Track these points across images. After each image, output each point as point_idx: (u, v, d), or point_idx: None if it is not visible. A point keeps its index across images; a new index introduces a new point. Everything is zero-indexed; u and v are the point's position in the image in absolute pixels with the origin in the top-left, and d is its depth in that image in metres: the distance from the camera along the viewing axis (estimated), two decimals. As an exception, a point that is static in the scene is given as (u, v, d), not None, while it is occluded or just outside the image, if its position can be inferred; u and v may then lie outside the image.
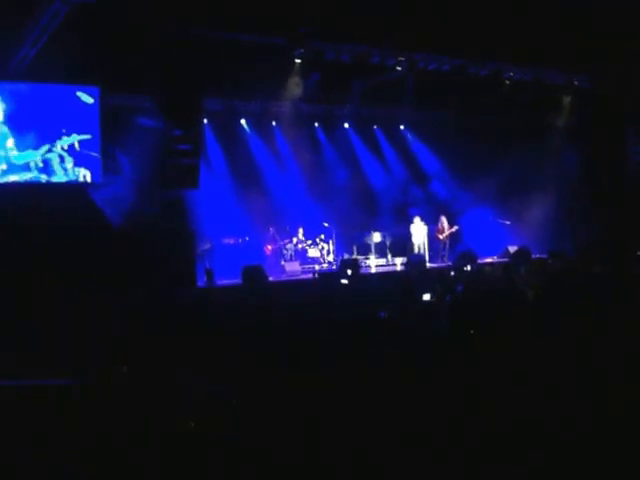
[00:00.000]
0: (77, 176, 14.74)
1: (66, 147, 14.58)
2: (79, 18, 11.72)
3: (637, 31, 14.46)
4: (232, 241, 17.66)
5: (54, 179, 14.51)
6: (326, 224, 18.99)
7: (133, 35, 12.67)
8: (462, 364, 5.62)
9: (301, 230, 18.66)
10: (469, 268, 15.38)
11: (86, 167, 14.78)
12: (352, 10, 12.72)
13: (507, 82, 17.77)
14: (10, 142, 14.04)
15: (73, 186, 14.73)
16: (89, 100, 14.69)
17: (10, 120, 14.05)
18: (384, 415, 4.61)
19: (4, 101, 14.00)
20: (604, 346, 5.83)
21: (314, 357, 5.95)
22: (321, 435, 4.44)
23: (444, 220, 19.61)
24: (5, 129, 14.01)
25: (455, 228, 19.62)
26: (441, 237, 19.53)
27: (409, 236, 19.32)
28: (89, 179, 14.83)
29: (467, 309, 7.73)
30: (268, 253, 17.91)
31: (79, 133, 14.68)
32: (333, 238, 19.16)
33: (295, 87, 16.22)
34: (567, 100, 19.67)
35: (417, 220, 19.23)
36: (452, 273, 14.47)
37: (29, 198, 13.83)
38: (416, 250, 19.04)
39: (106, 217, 14.32)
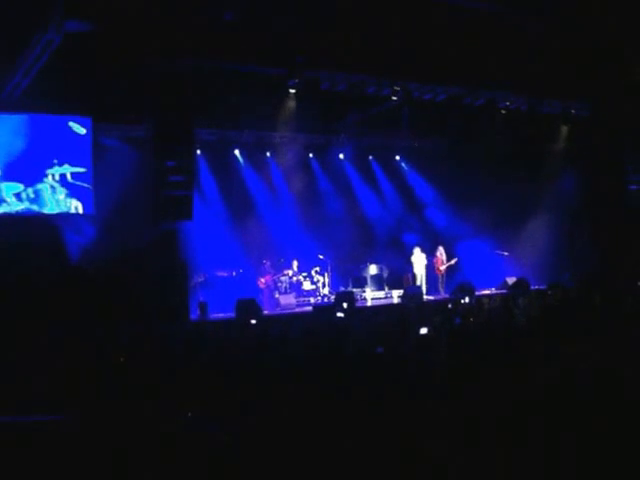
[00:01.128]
0: (69, 207, 14.59)
1: (57, 178, 14.45)
2: (72, 48, 11.62)
3: (634, 57, 14.48)
4: (226, 274, 17.45)
5: (45, 210, 14.35)
6: (321, 256, 18.78)
7: (126, 66, 12.60)
8: (461, 397, 5.60)
9: (296, 262, 18.42)
10: (467, 300, 15.25)
11: (78, 198, 14.65)
12: (347, 40, 12.69)
13: (503, 112, 17.71)
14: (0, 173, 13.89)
15: (61, 218, 14.52)
16: (81, 130, 14.60)
17: (1, 150, 13.89)
18: (383, 448, 4.56)
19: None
20: (604, 374, 5.82)
21: (311, 391, 5.88)
22: (318, 469, 4.39)
23: (443, 252, 19.43)
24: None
25: (454, 260, 19.44)
26: (441, 269, 19.33)
27: (410, 267, 19.14)
28: (81, 210, 14.67)
29: (465, 342, 7.65)
30: (262, 287, 17.66)
31: (71, 164, 14.56)
32: (329, 270, 18.93)
33: (289, 117, 16.11)
34: (564, 129, 19.61)
35: (417, 251, 19.07)
36: (449, 305, 14.34)
37: (17, 230, 13.64)
38: (418, 282, 18.84)
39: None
